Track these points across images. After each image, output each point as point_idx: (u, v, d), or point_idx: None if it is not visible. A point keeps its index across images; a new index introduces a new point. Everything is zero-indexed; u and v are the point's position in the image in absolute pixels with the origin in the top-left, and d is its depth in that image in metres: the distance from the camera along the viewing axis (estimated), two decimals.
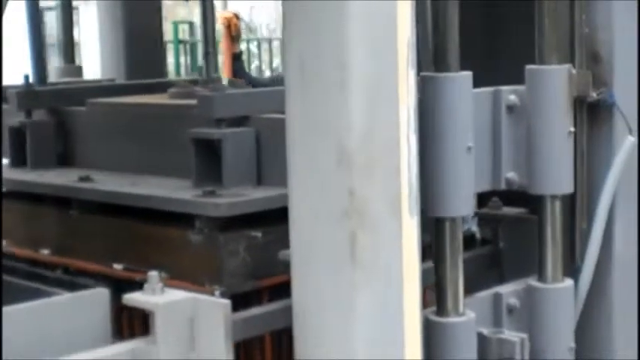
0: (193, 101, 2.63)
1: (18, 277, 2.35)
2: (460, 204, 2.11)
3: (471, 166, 2.12)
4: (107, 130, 2.88)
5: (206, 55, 2.84)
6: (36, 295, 2.09)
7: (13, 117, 3.03)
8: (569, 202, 2.34)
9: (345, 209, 1.86)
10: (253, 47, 13.73)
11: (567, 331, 2.28)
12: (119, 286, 2.48)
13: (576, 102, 2.31)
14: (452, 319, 2.09)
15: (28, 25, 3.26)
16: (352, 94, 1.84)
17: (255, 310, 2.08)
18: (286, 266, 1.97)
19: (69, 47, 3.96)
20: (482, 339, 2.14)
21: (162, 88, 3.15)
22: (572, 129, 2.28)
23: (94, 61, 4.30)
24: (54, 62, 4.43)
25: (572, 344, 2.27)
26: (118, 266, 2.50)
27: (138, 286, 2.40)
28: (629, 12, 2.37)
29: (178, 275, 2.34)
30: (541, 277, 2.27)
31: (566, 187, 2.30)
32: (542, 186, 2.28)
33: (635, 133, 2.35)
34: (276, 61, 12.41)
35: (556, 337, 2.25)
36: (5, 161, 3.10)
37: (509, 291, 2.26)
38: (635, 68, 2.39)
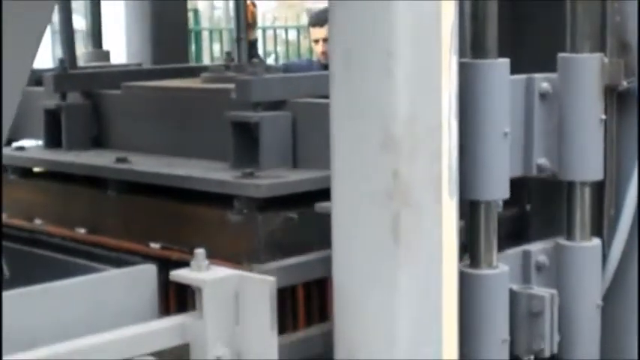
0: (227, 85, 2.68)
1: (60, 253, 2.39)
2: (495, 188, 2.17)
3: (506, 151, 2.18)
4: (142, 113, 2.93)
5: (238, 40, 2.90)
6: (80, 270, 2.14)
7: (49, 99, 3.08)
8: (599, 189, 2.41)
9: (389, 191, 1.93)
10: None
11: (594, 288, 2.34)
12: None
13: (606, 91, 2.36)
14: (486, 271, 2.15)
15: (58, 10, 3.31)
16: (397, 81, 1.91)
17: (292, 260, 2.15)
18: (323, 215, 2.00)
19: (97, 32, 4.02)
20: (512, 294, 2.20)
21: (193, 72, 3.20)
22: (603, 117, 2.34)
23: (118, 47, 4.35)
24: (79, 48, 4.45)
25: (599, 302, 2.33)
26: (155, 245, 2.55)
27: (174, 265, 2.48)
28: None
29: (216, 254, 2.38)
30: (569, 236, 2.33)
31: (596, 174, 2.35)
32: (573, 172, 2.33)
33: None
34: (279, 50, 12.41)
35: (583, 294, 2.32)
36: (38, 143, 3.16)
37: (538, 249, 2.32)
38: None
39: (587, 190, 2.35)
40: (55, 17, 3.30)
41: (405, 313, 1.98)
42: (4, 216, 3.06)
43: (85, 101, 3.07)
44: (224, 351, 1.96)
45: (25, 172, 3.02)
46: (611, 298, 2.41)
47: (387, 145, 1.93)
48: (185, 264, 2.15)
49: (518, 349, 2.23)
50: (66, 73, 3.09)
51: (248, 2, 6.23)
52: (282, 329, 2.13)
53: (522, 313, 2.22)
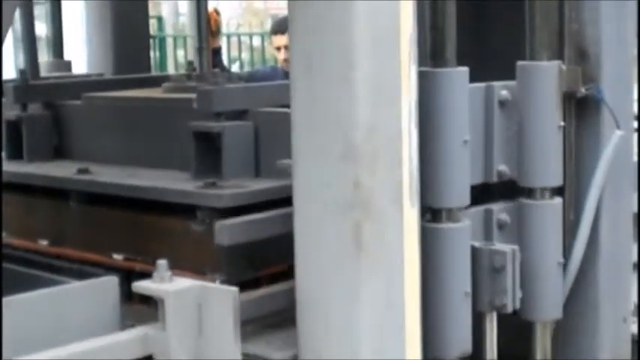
0: (189, 95, 2.68)
1: (23, 266, 2.38)
2: (456, 195, 2.19)
3: (467, 158, 2.20)
4: (103, 124, 2.92)
5: (199, 49, 2.90)
6: (42, 283, 2.13)
7: (9, 110, 3.06)
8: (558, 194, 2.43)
9: (350, 200, 1.94)
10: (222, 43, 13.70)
11: (555, 246, 2.37)
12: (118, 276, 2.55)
13: (565, 97, 2.39)
14: (447, 225, 2.17)
15: (20, 19, 3.29)
16: (357, 90, 1.92)
17: (258, 292, 2.16)
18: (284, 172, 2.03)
19: (58, 42, 4.00)
20: (473, 250, 2.22)
21: (154, 82, 3.20)
22: (562, 123, 2.36)
23: (78, 56, 4.33)
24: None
25: (561, 259, 2.37)
26: (117, 256, 2.55)
27: (137, 275, 2.47)
28: (616, 8, 2.45)
29: (179, 265, 2.38)
30: (530, 196, 2.36)
31: (556, 179, 2.38)
32: (533, 178, 2.36)
33: (624, 127, 2.43)
34: (244, 56, 12.40)
35: (545, 251, 2.35)
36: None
37: (499, 207, 2.34)
38: (622, 64, 2.48)
39: (547, 196, 2.37)
40: (17, 24, 3.29)
41: (369, 322, 1.99)
42: None
43: (45, 112, 3.06)
44: None
45: None
46: (571, 302, 2.44)
47: (348, 155, 1.95)
48: (148, 275, 2.15)
49: (481, 305, 2.25)
50: (26, 84, 3.08)
51: (211, 10, 6.23)
52: None
53: (484, 269, 2.24)
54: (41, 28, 4.26)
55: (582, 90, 2.42)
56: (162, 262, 2.00)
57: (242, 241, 2.22)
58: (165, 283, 1.98)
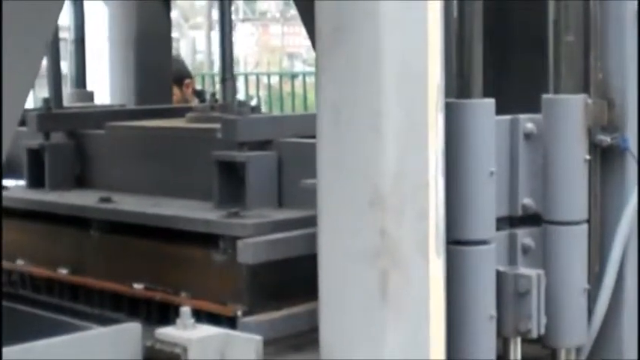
0: (213, 125, 2.68)
1: (43, 309, 2.37)
2: (482, 227, 2.17)
3: (492, 190, 2.18)
4: (126, 153, 2.93)
5: (223, 80, 2.90)
6: (63, 328, 2.11)
7: (32, 139, 3.07)
8: None
9: (377, 249, 1.92)
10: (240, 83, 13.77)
11: (581, 271, 2.33)
12: (138, 305, 2.54)
13: (590, 146, 2.36)
14: (473, 247, 2.15)
15: (47, 52, 3.31)
16: (385, 139, 1.92)
17: (280, 313, 2.18)
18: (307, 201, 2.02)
19: (81, 73, 4.02)
20: (498, 275, 2.19)
21: (177, 113, 3.20)
22: (588, 157, 2.35)
23: (100, 90, 4.36)
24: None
25: (586, 285, 2.33)
26: (138, 286, 2.54)
27: (157, 305, 2.46)
28: None
29: (200, 295, 2.38)
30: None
31: (581, 214, 2.35)
32: (558, 212, 2.34)
33: None
34: (262, 93, 12.47)
35: (570, 277, 2.31)
36: (22, 182, 3.14)
37: (524, 232, 2.31)
38: None
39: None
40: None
41: None
42: None
43: (68, 141, 3.07)
44: None
45: (8, 212, 2.99)
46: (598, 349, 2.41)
47: (375, 203, 1.93)
48: (169, 305, 2.14)
49: (506, 330, 2.22)
50: (49, 113, 3.09)
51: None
52: None
53: (509, 294, 2.21)
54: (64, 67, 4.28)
55: (608, 139, 2.40)
56: (185, 310, 1.99)
57: (265, 260, 2.21)
58: (188, 330, 1.97)
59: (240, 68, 16.39)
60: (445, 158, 2.04)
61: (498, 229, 2.26)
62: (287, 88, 11.90)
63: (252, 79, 12.61)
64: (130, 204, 2.67)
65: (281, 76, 12.80)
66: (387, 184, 1.93)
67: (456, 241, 2.15)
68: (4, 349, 1.88)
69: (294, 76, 12.21)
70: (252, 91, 12.19)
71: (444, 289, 2.03)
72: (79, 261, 2.73)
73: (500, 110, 2.25)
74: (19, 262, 2.91)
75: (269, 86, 12.49)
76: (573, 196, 2.34)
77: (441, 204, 2.00)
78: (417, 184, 1.96)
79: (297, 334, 2.24)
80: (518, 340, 2.28)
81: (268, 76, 12.78)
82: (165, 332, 1.99)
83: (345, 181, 1.98)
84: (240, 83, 13.09)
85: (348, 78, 1.94)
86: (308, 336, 2.18)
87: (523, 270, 2.25)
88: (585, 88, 2.40)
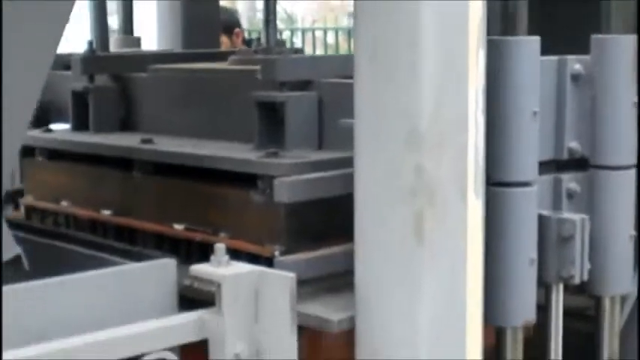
0: (254, 67, 2.64)
1: (82, 247, 2.37)
2: (524, 169, 2.12)
3: (535, 131, 2.13)
4: (169, 96, 2.91)
5: (266, 22, 2.86)
6: (101, 264, 2.12)
7: (77, 82, 3.06)
8: None
9: (413, 188, 1.89)
10: (297, 39, 13.76)
11: (628, 218, 2.28)
12: (178, 246, 2.53)
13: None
14: (514, 189, 2.11)
15: None
16: (423, 76, 1.88)
17: (317, 253, 2.16)
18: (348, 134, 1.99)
19: (128, 20, 4.00)
20: (541, 219, 2.16)
21: (222, 57, 3.17)
22: (636, 100, 2.28)
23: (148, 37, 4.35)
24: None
25: (633, 232, 2.28)
26: (178, 226, 2.53)
27: (197, 245, 2.46)
28: None
29: (239, 235, 2.37)
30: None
31: (630, 158, 2.29)
32: (605, 157, 2.28)
33: None
34: (318, 52, 12.43)
35: (616, 223, 2.27)
36: (67, 126, 3.14)
37: (569, 177, 2.27)
38: None
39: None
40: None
41: (428, 314, 1.95)
42: (30, 198, 3.05)
43: (112, 84, 3.05)
44: (243, 348, 1.94)
45: (52, 154, 3.00)
46: None
47: (412, 141, 1.90)
48: (208, 245, 2.13)
49: (548, 276, 2.19)
50: (94, 56, 3.08)
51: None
52: None
53: (552, 239, 2.17)
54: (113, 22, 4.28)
55: None
56: (220, 246, 1.98)
57: (301, 199, 2.19)
58: (222, 267, 1.96)
59: (298, 25, 16.33)
60: (486, 97, 1.99)
61: (543, 172, 2.22)
62: (344, 45, 11.85)
63: (309, 36, 12.57)
64: (171, 145, 2.65)
65: (337, 31, 12.73)
66: (425, 121, 1.90)
67: (496, 183, 2.11)
68: (38, 282, 1.89)
69: (350, 32, 12.13)
70: (309, 49, 12.17)
71: (482, 231, 2.00)
72: (122, 202, 2.73)
73: (546, 52, 2.20)
74: (64, 204, 2.92)
75: (325, 43, 12.44)
76: (621, 139, 2.29)
77: (481, 143, 1.96)
78: (455, 122, 1.93)
79: (334, 275, 2.22)
80: (561, 287, 2.24)
81: (325, 31, 12.72)
82: (200, 268, 1.98)
83: (381, 119, 1.95)
84: (297, 39, 13.09)
85: (386, 13, 1.90)
86: (344, 278, 2.15)
87: (567, 214, 2.21)
88: (637, 28, 2.33)
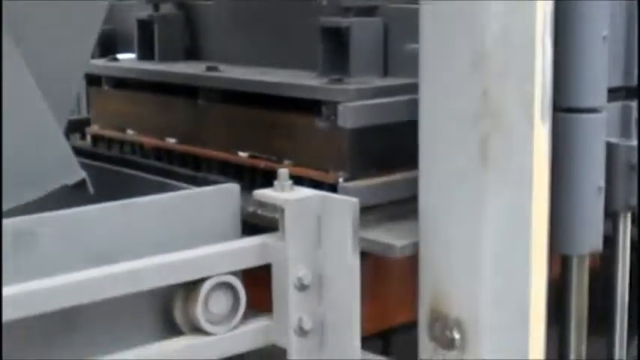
0: None
1: (147, 173, 2.38)
2: (592, 95, 2.08)
3: (604, 56, 2.08)
4: (233, 24, 2.89)
5: None
6: (166, 190, 2.12)
7: (142, 10, 3.06)
8: None
9: (478, 111, 1.87)
10: None
11: None
12: (243, 173, 2.53)
13: None
14: (582, 115, 2.07)
15: None
16: None
17: (381, 179, 2.16)
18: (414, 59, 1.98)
19: None
20: (609, 146, 2.12)
21: None
22: None
23: None
24: None
25: None
26: (242, 154, 2.53)
27: (261, 172, 2.46)
28: None
29: (303, 162, 2.36)
30: None
31: None
32: None
33: None
34: None
35: None
36: (132, 55, 3.15)
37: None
38: None
39: None
40: None
41: (492, 240, 1.92)
42: (96, 127, 3.07)
43: (177, 12, 3.05)
44: (305, 273, 1.95)
45: (118, 83, 3.02)
46: None
47: (477, 64, 1.87)
48: (272, 173, 2.13)
49: (616, 204, 2.16)
50: None
51: None
52: None
53: (620, 167, 2.13)
54: None
55: None
56: (283, 171, 1.98)
57: (365, 124, 2.17)
58: (285, 192, 1.96)
59: None
60: (554, 20, 1.95)
61: (612, 99, 2.17)
62: None
63: None
64: (236, 73, 2.64)
65: None
66: (491, 44, 1.86)
67: (563, 109, 2.06)
68: (101, 205, 1.91)
69: None
70: None
71: (548, 157, 1.97)
72: (187, 130, 2.73)
73: None
74: (129, 132, 2.94)
75: None
76: None
77: (548, 67, 1.93)
78: (522, 44, 1.89)
79: (397, 202, 2.21)
80: (629, 216, 2.20)
81: None
82: (263, 193, 1.98)
83: (447, 43, 1.92)
84: None
85: None
86: (407, 205, 2.14)
87: (637, 142, 2.16)
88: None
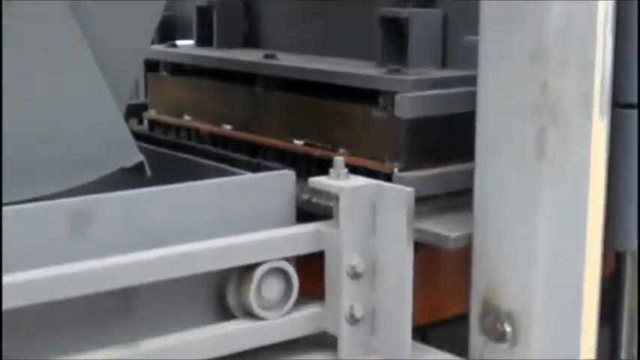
0: None
1: (202, 158, 2.40)
2: None
3: None
4: (291, 12, 2.90)
5: None
6: (222, 175, 2.14)
7: None
8: None
9: (536, 104, 1.85)
10: None
11: None
12: (298, 161, 2.54)
13: None
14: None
15: None
16: None
17: (435, 171, 2.17)
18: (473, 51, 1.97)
19: None
20: None
21: None
22: None
23: None
24: None
25: None
26: (298, 142, 2.54)
27: (316, 161, 2.46)
28: None
29: (358, 151, 2.36)
30: None
31: None
32: None
33: None
34: None
35: None
36: (191, 41, 3.17)
37: None
38: None
39: None
40: None
41: (547, 232, 1.91)
42: (153, 112, 3.10)
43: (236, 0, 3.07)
44: (359, 261, 1.95)
45: (176, 69, 3.04)
46: None
47: (537, 56, 1.86)
48: (327, 161, 2.13)
49: None
50: None
51: None
52: None
53: None
54: None
55: None
56: (339, 159, 1.98)
57: (422, 115, 2.17)
58: (341, 180, 1.96)
59: None
60: (616, 13, 1.93)
61: None
62: None
63: None
64: (293, 61, 2.65)
65: None
66: (551, 37, 1.85)
67: (624, 104, 2.04)
68: (153, 189, 1.92)
69: None
70: None
71: (605, 152, 1.95)
72: (243, 117, 2.75)
73: None
74: (186, 118, 2.96)
75: None
76: None
77: (609, 61, 1.91)
78: (582, 38, 1.87)
79: (452, 194, 2.20)
80: None
81: None
82: (319, 180, 1.99)
83: (506, 35, 1.91)
84: None
85: None
86: (462, 197, 2.14)
87: None
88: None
